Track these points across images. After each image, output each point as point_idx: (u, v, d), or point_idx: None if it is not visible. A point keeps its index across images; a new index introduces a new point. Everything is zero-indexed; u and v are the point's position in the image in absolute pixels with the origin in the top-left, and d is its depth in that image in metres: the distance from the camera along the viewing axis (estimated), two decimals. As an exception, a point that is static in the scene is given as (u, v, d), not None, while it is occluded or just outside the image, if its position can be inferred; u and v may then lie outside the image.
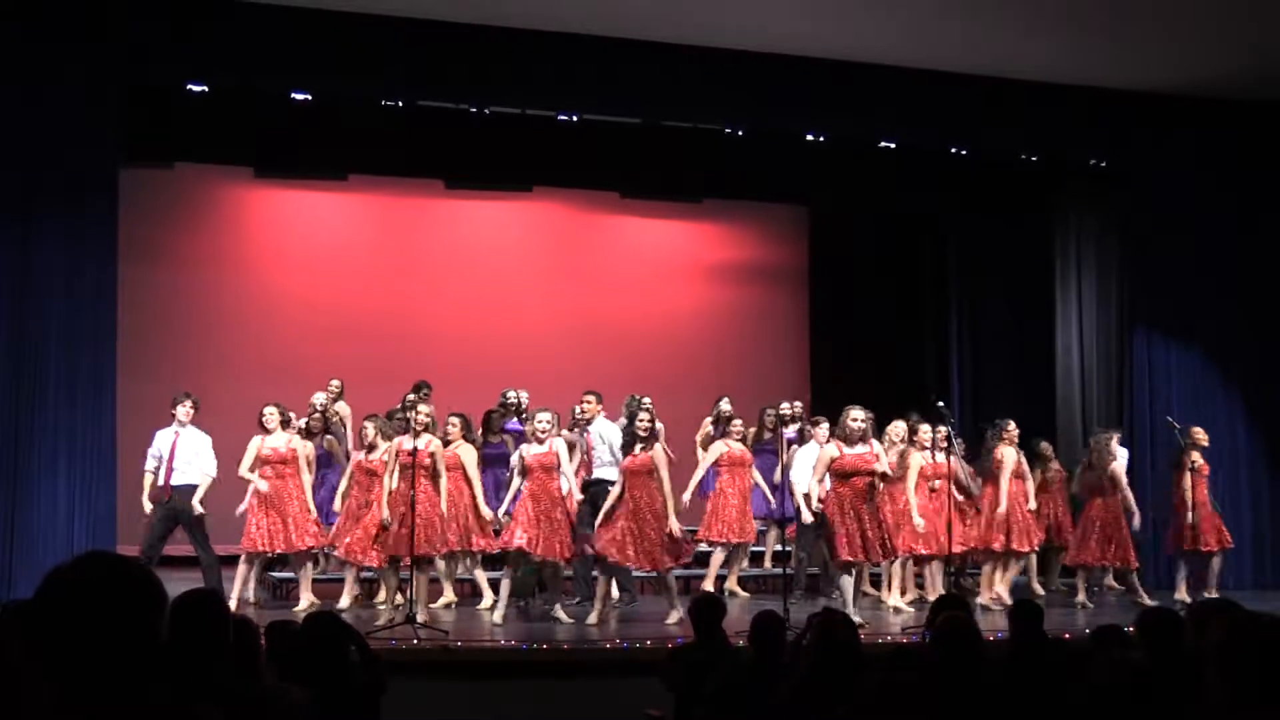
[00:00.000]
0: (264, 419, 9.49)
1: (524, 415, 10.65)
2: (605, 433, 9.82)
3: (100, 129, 9.69)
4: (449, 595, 9.84)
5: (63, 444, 9.48)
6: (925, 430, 10.22)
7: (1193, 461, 10.41)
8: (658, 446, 9.01)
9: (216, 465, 9.35)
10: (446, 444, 9.32)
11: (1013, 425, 10.36)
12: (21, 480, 9.37)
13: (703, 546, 10.46)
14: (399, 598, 9.00)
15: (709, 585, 10.26)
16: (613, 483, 9.17)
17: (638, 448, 8.90)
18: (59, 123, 9.57)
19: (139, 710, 1.83)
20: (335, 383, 11.38)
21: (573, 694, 7.38)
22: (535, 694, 7.42)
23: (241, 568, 9.40)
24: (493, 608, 9.17)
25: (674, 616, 8.79)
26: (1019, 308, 13.84)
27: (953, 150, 12.48)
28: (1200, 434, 10.68)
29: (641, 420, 8.99)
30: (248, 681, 3.28)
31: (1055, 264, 13.51)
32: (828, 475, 8.90)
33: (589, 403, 9.98)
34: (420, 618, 8.33)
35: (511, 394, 11.34)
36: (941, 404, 10.35)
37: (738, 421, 10.70)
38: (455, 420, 9.55)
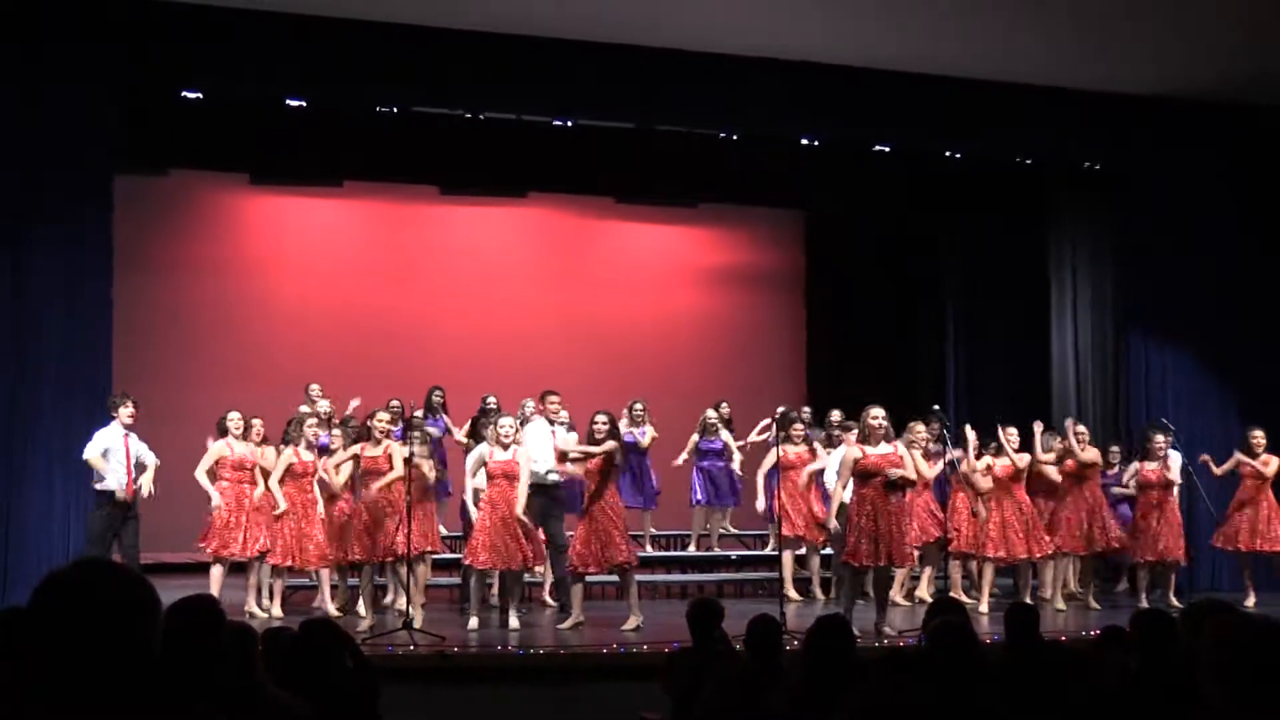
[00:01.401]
0: (229, 424, 9.46)
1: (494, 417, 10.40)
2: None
3: (96, 135, 9.69)
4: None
5: (58, 451, 9.46)
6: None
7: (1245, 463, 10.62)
8: (610, 442, 8.85)
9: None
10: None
11: (1081, 429, 10.58)
12: (16, 487, 9.36)
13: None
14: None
15: (790, 590, 10.32)
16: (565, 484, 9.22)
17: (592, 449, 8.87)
18: (54, 129, 9.57)
19: (140, 711, 1.84)
20: (315, 387, 11.00)
21: (570, 698, 7.37)
22: (532, 699, 7.42)
23: (216, 572, 9.29)
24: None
25: (631, 623, 8.72)
26: (1015, 310, 13.84)
27: (949, 153, 12.51)
28: (1257, 436, 10.66)
29: (599, 423, 8.86)
30: (246, 684, 3.29)
31: (1051, 266, 13.51)
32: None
33: (554, 402, 9.89)
34: (417, 622, 8.33)
35: (491, 399, 11.24)
36: (937, 407, 10.37)
37: (798, 425, 10.68)
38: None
